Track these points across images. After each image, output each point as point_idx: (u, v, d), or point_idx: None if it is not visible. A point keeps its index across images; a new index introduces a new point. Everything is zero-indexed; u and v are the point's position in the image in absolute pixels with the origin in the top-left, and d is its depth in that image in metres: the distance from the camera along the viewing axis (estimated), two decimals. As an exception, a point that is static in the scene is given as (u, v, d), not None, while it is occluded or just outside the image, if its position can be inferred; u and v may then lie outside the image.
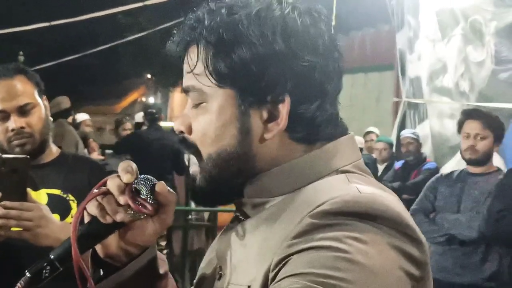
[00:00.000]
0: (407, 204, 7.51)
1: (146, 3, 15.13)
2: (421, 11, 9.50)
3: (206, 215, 10.22)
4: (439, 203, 5.13)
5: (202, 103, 1.46)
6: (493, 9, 7.56)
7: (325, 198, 1.31)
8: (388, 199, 1.35)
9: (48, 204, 2.77)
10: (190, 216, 9.82)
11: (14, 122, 2.93)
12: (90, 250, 1.52)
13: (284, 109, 1.41)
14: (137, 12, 22.42)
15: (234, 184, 1.48)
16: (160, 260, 1.58)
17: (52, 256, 1.44)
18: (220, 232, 1.64)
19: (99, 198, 1.42)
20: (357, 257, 1.22)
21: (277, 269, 1.29)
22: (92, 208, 1.43)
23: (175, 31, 1.51)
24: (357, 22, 20.45)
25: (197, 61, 1.44)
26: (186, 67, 1.49)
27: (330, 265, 1.21)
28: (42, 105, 3.04)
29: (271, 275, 1.31)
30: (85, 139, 9.65)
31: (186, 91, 1.50)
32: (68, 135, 8.48)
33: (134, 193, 1.43)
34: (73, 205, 2.94)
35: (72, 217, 2.88)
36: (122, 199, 1.40)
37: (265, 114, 1.43)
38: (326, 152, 1.46)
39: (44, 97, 3.08)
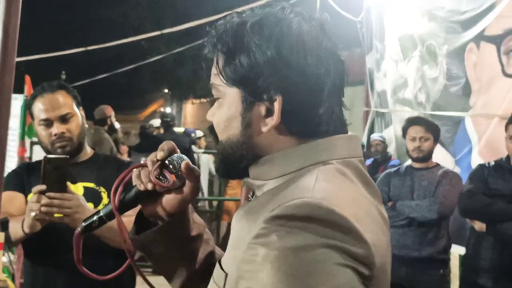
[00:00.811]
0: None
1: (163, 31, 15.12)
2: (386, 36, 9.49)
3: (209, 202, 10.30)
4: (394, 193, 5.22)
5: (219, 98, 1.47)
6: (445, 35, 7.55)
7: (283, 200, 1.26)
8: (336, 203, 1.25)
9: (84, 195, 2.80)
10: (199, 203, 9.87)
11: (56, 128, 2.98)
12: (137, 208, 1.60)
13: (277, 106, 1.37)
14: (156, 39, 22.43)
15: (239, 166, 1.47)
16: (194, 224, 1.63)
17: (101, 212, 1.58)
18: None
19: (140, 169, 1.51)
20: (300, 267, 1.17)
21: (241, 267, 1.27)
22: (134, 177, 1.52)
23: (206, 39, 1.50)
24: (334, 46, 20.47)
25: (213, 64, 1.46)
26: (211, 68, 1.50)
27: (278, 279, 1.17)
28: (79, 115, 3.09)
29: (239, 271, 1.29)
30: (116, 142, 9.68)
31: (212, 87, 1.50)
32: (106, 142, 8.51)
33: (164, 168, 1.49)
34: (104, 196, 2.97)
35: (103, 205, 2.91)
36: (153, 173, 1.48)
37: (263, 111, 1.40)
38: (315, 146, 1.40)
39: (81, 108, 3.14)
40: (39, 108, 3.01)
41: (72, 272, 2.46)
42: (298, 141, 1.41)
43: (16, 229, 2.70)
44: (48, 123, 2.99)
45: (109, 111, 9.27)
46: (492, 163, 4.68)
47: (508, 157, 4.59)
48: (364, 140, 10.49)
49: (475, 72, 7.01)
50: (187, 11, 23.46)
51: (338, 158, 1.40)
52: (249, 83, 1.39)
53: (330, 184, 1.32)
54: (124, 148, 10.65)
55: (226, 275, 1.36)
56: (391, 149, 9.29)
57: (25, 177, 3.06)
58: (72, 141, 3.01)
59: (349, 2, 11.36)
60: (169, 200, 1.53)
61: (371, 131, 10.29)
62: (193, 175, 1.51)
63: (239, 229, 1.39)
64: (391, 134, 9.39)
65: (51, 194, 2.59)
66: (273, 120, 1.38)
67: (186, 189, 1.53)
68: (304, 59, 1.37)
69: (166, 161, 1.51)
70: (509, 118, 4.63)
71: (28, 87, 7.06)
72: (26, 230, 2.63)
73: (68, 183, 2.68)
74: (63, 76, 27.62)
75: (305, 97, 1.38)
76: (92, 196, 2.92)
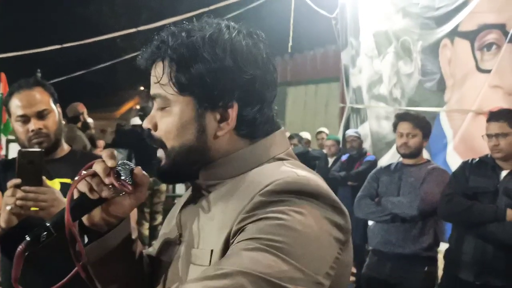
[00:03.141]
0: (352, 189, 7.60)
1: (139, 29, 15.08)
2: (361, 33, 9.53)
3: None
4: (382, 189, 5.20)
5: (166, 107, 1.53)
6: (419, 31, 7.61)
7: (271, 180, 1.39)
8: (317, 180, 1.45)
9: (60, 190, 2.76)
10: (175, 201, 9.86)
11: (33, 125, 2.96)
12: (77, 220, 1.55)
13: (233, 112, 1.49)
14: (131, 36, 22.31)
15: (191, 170, 1.56)
16: (132, 228, 1.65)
17: (48, 224, 1.48)
18: (177, 205, 1.72)
19: (88, 178, 1.48)
20: (296, 225, 1.31)
21: (236, 236, 1.36)
22: (82, 186, 1.49)
23: (143, 49, 1.58)
24: (309, 43, 20.53)
25: (163, 74, 1.51)
26: (153, 79, 1.54)
27: (276, 232, 1.30)
28: (56, 111, 3.08)
29: (231, 241, 1.38)
30: (92, 139, 9.63)
31: (153, 97, 1.55)
32: (79, 139, 8.46)
33: (116, 175, 1.47)
34: None
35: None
36: (107, 180, 1.47)
37: (217, 116, 1.51)
38: (264, 144, 1.55)
39: (58, 104, 3.12)
40: (16, 104, 3.00)
41: (50, 270, 2.44)
42: (248, 142, 1.55)
43: None
44: (25, 119, 2.98)
45: (81, 108, 9.20)
46: (477, 159, 4.68)
47: None
48: (340, 136, 10.54)
49: (450, 68, 7.08)
50: (162, 9, 23.40)
51: (283, 151, 1.58)
52: (204, 91, 1.48)
53: (300, 168, 1.50)
54: (101, 142, 10.61)
55: (212, 251, 1.42)
56: (367, 145, 9.34)
57: (1, 173, 3.04)
58: (49, 137, 3.00)
59: (324, -2, 11.40)
60: (121, 205, 1.53)
61: (347, 127, 10.34)
62: (145, 180, 1.53)
63: (217, 214, 1.48)
64: (366, 129, 9.44)
65: (26, 187, 2.56)
66: (228, 125, 1.51)
67: (139, 193, 1.54)
68: (254, 68, 1.50)
69: (116, 168, 1.50)
70: (488, 116, 4.64)
71: (3, 85, 7.02)
72: (2, 225, 2.60)
73: (44, 178, 2.66)
74: (39, 74, 27.30)
75: (255, 102, 1.52)
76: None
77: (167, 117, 1.52)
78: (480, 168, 4.56)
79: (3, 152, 7.55)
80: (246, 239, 1.31)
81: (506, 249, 4.34)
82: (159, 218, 10.24)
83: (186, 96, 1.49)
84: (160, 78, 1.51)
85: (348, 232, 1.42)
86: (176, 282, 1.53)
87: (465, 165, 4.69)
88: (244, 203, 1.38)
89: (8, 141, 7.88)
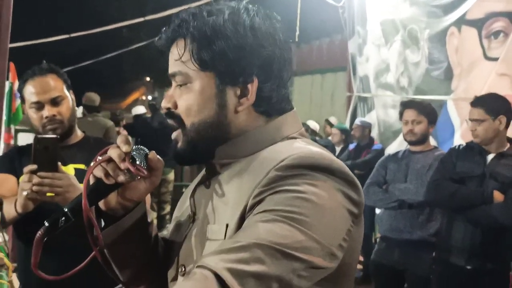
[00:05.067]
0: (360, 178, 7.60)
1: (146, 18, 15.07)
2: (368, 21, 9.53)
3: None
4: (389, 176, 5.22)
5: (186, 84, 1.56)
6: (426, 20, 7.62)
7: (286, 155, 1.42)
8: (331, 155, 1.48)
9: (75, 176, 2.79)
10: (184, 190, 9.89)
11: (47, 111, 2.99)
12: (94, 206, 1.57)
13: (253, 87, 1.54)
14: (138, 26, 22.28)
15: (209, 148, 1.58)
16: (148, 211, 1.68)
17: (66, 209, 1.50)
18: (190, 188, 1.74)
19: (103, 164, 1.50)
20: (311, 197, 1.35)
21: (251, 210, 1.40)
22: (97, 172, 1.51)
23: (163, 30, 1.61)
24: (316, 33, 20.48)
25: (184, 51, 1.54)
26: (173, 56, 1.58)
27: (291, 203, 1.34)
28: (69, 98, 3.11)
29: (247, 215, 1.41)
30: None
31: (173, 75, 1.59)
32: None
33: (131, 160, 1.49)
34: None
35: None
36: (123, 165, 1.49)
37: (237, 92, 1.54)
38: (278, 124, 1.59)
39: (71, 91, 3.15)
40: (30, 91, 3.02)
41: (64, 255, 2.48)
42: (264, 119, 1.59)
43: (9, 210, 2.73)
44: (39, 106, 3.00)
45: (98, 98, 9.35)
46: (463, 145, 4.72)
47: None
48: (347, 125, 10.56)
49: (457, 56, 7.09)
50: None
51: (296, 131, 1.61)
52: (225, 66, 1.52)
53: (313, 145, 1.53)
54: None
55: (227, 225, 1.46)
56: (374, 134, 9.36)
57: (16, 160, 3.08)
58: (63, 123, 3.03)
59: (331, -13, 11.38)
60: (136, 190, 1.56)
61: (354, 116, 10.36)
62: (160, 164, 1.55)
63: (232, 190, 1.51)
64: (373, 118, 9.46)
65: (42, 173, 2.59)
66: (248, 101, 1.55)
67: (154, 178, 1.56)
68: (273, 45, 1.55)
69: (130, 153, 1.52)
70: (472, 101, 4.65)
71: (12, 74, 7.05)
72: (19, 210, 2.65)
73: (59, 164, 2.69)
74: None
75: (273, 79, 1.56)
76: (82, 177, 2.86)
77: (188, 94, 1.55)
78: (466, 153, 4.59)
79: (13, 142, 7.59)
80: (262, 211, 1.35)
81: (495, 232, 4.40)
82: (167, 207, 10.27)
83: (207, 72, 1.53)
84: (181, 54, 1.54)
85: (361, 206, 1.45)
86: (191, 258, 1.57)
87: (452, 151, 4.72)
88: (259, 178, 1.42)
89: (17, 131, 7.88)
